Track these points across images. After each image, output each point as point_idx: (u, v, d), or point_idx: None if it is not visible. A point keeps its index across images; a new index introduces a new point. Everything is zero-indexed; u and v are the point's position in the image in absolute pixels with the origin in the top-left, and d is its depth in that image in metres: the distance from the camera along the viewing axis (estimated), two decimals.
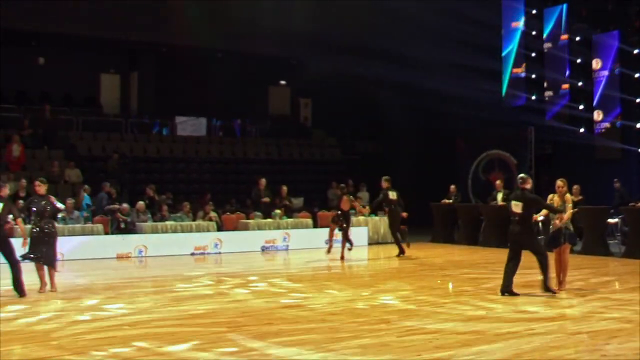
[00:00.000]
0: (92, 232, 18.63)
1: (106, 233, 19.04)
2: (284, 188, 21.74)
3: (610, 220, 18.70)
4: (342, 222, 17.69)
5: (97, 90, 29.72)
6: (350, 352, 7.79)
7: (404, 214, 18.32)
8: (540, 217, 12.22)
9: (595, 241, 17.81)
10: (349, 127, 30.59)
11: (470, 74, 24.49)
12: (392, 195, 18.21)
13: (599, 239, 17.79)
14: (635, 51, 23.05)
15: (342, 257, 17.60)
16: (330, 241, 18.21)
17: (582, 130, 24.06)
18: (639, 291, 12.04)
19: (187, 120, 28.78)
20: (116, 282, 13.82)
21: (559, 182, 11.93)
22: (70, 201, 18.87)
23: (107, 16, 25.50)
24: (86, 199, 20.20)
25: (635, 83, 23.13)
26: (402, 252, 18.03)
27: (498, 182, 21.53)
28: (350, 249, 17.90)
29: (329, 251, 18.14)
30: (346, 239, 17.73)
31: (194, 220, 20.38)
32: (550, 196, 12.12)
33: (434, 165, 27.51)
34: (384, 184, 18.25)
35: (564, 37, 24.66)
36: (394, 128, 29.57)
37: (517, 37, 26.04)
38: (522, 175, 11.98)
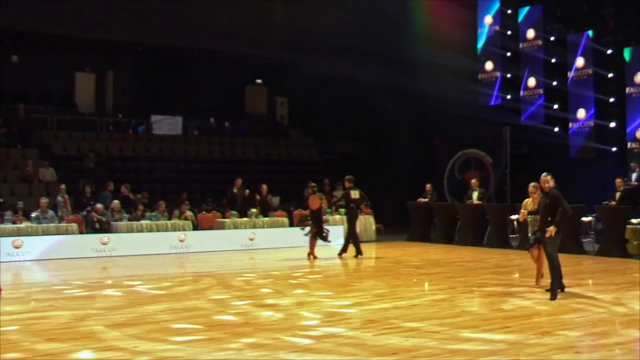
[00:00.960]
0: (66, 232, 18.49)
1: (81, 232, 18.91)
2: (264, 187, 21.75)
3: (584, 219, 18.84)
4: (309, 221, 17.59)
5: (72, 89, 29.49)
6: (327, 349, 7.79)
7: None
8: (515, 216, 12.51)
9: (569, 239, 17.90)
10: (326, 126, 30.58)
11: (447, 74, 24.57)
12: (354, 194, 18.24)
13: (573, 237, 17.89)
14: (609, 51, 23.23)
15: (311, 254, 17.56)
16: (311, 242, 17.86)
17: (557, 129, 24.21)
18: (612, 289, 12.15)
19: (163, 119, 28.63)
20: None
21: (531, 188, 11.89)
22: (44, 200, 18.73)
23: (82, 15, 25.29)
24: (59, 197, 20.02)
25: (609, 83, 23.33)
26: (359, 252, 17.87)
27: (474, 181, 21.64)
28: (326, 238, 17.73)
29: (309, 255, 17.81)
30: (316, 237, 17.55)
31: (169, 219, 20.30)
32: (525, 201, 12.29)
33: (412, 165, 27.61)
34: (347, 184, 18.39)
35: (539, 37, 24.80)
36: (371, 128, 29.61)
37: (493, 37, 26.15)
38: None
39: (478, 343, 8.07)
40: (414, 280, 13.56)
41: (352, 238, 18.01)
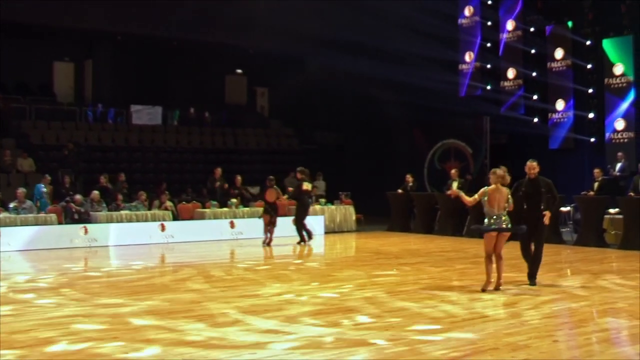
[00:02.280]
0: (45, 223, 18.37)
1: (59, 223, 18.79)
2: (238, 178, 21.79)
3: (563, 209, 18.96)
4: (270, 213, 18.25)
5: (50, 79, 29.30)
6: (307, 341, 7.80)
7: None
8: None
9: (548, 229, 17.98)
10: (306, 117, 30.59)
11: (427, 64, 24.60)
12: (306, 186, 19.08)
13: (552, 227, 17.95)
14: (588, 42, 23.37)
15: (269, 243, 18.20)
16: (265, 233, 18.48)
17: (536, 120, 24.34)
18: (589, 278, 12.25)
19: (142, 109, 28.51)
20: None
21: (501, 172, 11.21)
22: (21, 190, 18.59)
23: (61, 4, 25.09)
24: (38, 188, 19.85)
25: (588, 74, 23.47)
26: (302, 240, 18.70)
27: (453, 171, 21.70)
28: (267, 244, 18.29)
29: (265, 242, 18.35)
30: (271, 226, 18.29)
31: (149, 209, 20.24)
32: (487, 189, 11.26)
33: (392, 155, 27.65)
34: (299, 175, 19.07)
35: (519, 28, 24.90)
36: (351, 118, 29.65)
37: (473, 27, 26.23)
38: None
39: (457, 333, 8.11)
40: (394, 270, 13.58)
41: (297, 224, 18.84)
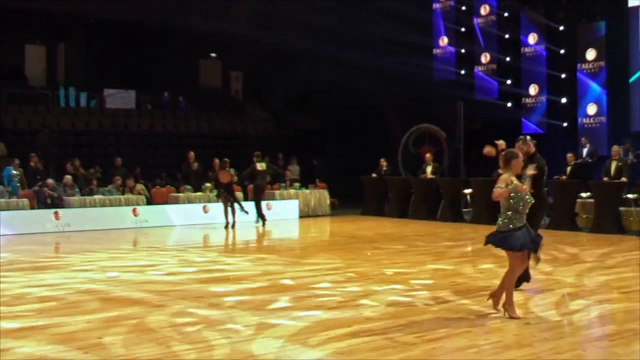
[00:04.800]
0: (17, 207, 18.22)
1: (32, 208, 18.65)
2: (216, 161, 21.68)
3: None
4: (225, 195, 18.61)
5: (22, 62, 28.96)
6: (285, 318, 7.83)
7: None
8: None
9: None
10: (282, 101, 30.51)
11: (402, 49, 24.62)
12: (260, 166, 19.72)
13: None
14: (561, 28, 23.49)
15: (233, 225, 18.54)
16: (226, 216, 18.69)
17: (509, 105, 24.46)
18: (561, 261, 12.37)
19: (116, 93, 28.30)
20: None
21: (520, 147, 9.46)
22: None
23: None
24: (7, 170, 19.60)
25: (561, 59, 23.61)
26: (263, 220, 19.44)
27: (428, 155, 21.82)
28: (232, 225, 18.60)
29: (226, 227, 18.57)
30: (233, 209, 18.66)
31: (123, 194, 20.12)
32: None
33: (366, 139, 27.67)
34: (254, 159, 19.62)
35: (493, 13, 24.98)
36: (325, 103, 29.60)
37: (448, 12, 26.27)
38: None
39: (431, 316, 8.17)
40: (368, 254, 13.63)
41: (257, 207, 19.55)
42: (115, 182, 20.26)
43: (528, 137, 10.00)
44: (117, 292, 9.73)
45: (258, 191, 19.69)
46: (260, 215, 19.52)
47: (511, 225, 7.86)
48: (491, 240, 8.00)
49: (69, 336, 7.31)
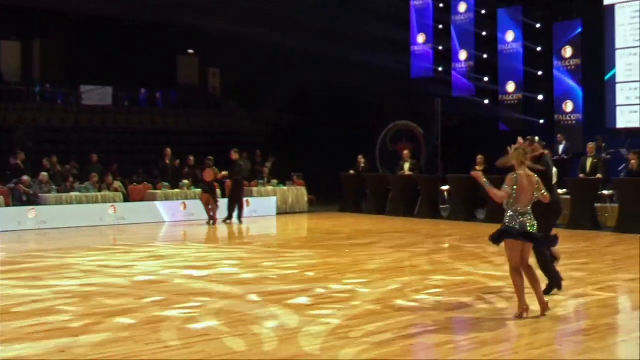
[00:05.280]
0: None
1: (7, 205, 18.48)
2: (191, 158, 21.66)
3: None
4: (209, 193, 18.78)
5: None
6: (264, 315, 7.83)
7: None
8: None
9: (498, 209, 18.21)
10: (259, 98, 30.43)
11: (380, 46, 24.65)
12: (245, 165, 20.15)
13: (501, 207, 18.16)
14: (538, 25, 23.64)
15: (214, 223, 18.66)
16: (208, 213, 18.87)
17: (487, 102, 24.58)
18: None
19: (92, 89, 28.10)
20: None
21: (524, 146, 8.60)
22: None
23: None
24: None
25: (538, 56, 23.76)
26: (229, 217, 19.15)
27: (405, 152, 21.89)
28: (212, 223, 18.70)
29: (209, 223, 18.73)
30: (215, 206, 18.85)
31: (99, 191, 20.00)
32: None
33: (344, 136, 27.67)
34: (234, 156, 19.37)
35: (470, 10, 25.07)
36: (304, 99, 29.56)
37: (425, 9, 26.33)
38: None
39: (417, 308, 8.20)
40: (346, 250, 13.65)
41: (237, 204, 19.20)
42: (91, 179, 20.12)
43: (537, 138, 9.39)
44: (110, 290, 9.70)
45: (239, 186, 19.40)
46: (231, 212, 19.24)
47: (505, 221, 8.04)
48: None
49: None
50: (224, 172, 19.05)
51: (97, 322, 7.72)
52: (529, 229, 7.92)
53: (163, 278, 10.56)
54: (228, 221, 19.05)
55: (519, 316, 7.80)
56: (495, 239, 8.09)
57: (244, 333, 7.21)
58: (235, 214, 19.19)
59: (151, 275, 10.86)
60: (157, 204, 20.21)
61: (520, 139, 8.67)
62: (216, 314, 8.10)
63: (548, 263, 8.94)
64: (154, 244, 15.33)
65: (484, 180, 8.15)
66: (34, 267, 11.73)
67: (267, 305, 8.54)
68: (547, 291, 8.75)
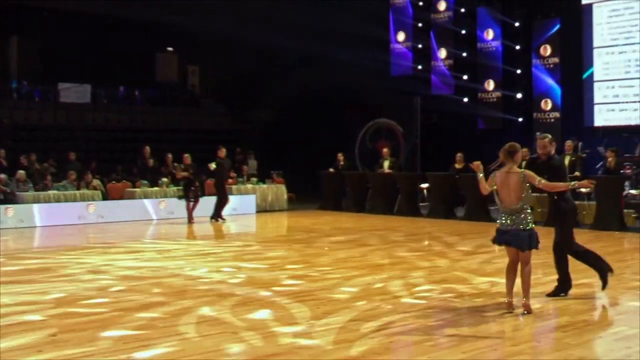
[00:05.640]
0: None
1: None
2: (169, 156, 21.58)
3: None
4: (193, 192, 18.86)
5: None
6: (240, 313, 7.81)
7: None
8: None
9: (477, 207, 18.34)
10: (239, 95, 30.36)
11: (359, 44, 24.68)
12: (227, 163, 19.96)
13: (481, 204, 18.27)
14: (517, 24, 23.75)
15: (190, 221, 18.58)
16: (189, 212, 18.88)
17: (466, 100, 24.68)
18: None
19: (71, 86, 27.90)
20: None
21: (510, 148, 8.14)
22: None
23: None
24: None
25: (517, 55, 23.89)
26: (219, 215, 19.09)
27: (385, 150, 21.94)
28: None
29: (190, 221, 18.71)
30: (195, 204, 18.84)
31: (78, 189, 19.87)
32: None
33: (324, 134, 27.68)
34: (222, 153, 19.38)
35: (450, 8, 25.16)
36: (284, 97, 29.54)
37: (405, 7, 26.38)
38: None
39: (396, 305, 8.22)
40: (325, 248, 13.65)
41: (221, 201, 19.16)
42: (69, 177, 19.98)
43: (550, 136, 9.02)
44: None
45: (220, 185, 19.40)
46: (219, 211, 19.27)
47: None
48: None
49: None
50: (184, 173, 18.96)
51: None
52: (522, 227, 7.81)
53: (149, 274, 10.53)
54: (220, 220, 18.98)
55: (511, 311, 7.85)
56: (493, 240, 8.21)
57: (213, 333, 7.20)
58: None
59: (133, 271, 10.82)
60: (137, 202, 20.11)
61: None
62: (183, 316, 8.08)
63: (563, 264, 8.83)
64: (136, 242, 15.24)
65: (480, 172, 8.13)
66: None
67: (249, 303, 8.53)
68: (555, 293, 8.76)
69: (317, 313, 7.99)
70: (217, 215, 19.04)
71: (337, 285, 9.71)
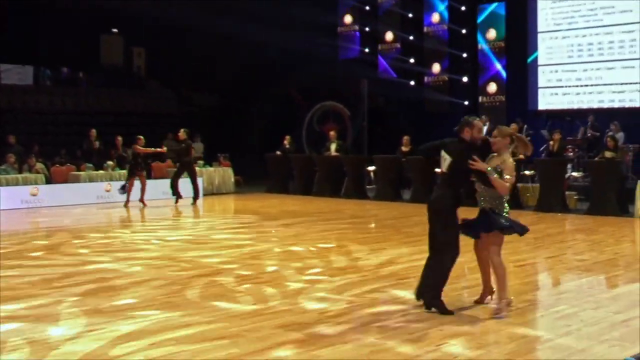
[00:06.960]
0: None
1: None
2: (119, 139, 21.27)
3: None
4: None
5: None
6: (187, 302, 7.78)
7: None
8: None
9: (423, 189, 18.46)
10: (185, 78, 30.09)
11: (306, 27, 24.60)
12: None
13: (427, 187, 18.37)
14: (463, 7, 23.94)
15: (126, 204, 18.48)
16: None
17: (412, 83, 24.82)
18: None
19: (12, 68, 27.32)
20: None
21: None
22: None
23: None
24: None
25: (463, 38, 24.08)
26: (179, 197, 19.16)
27: (332, 133, 21.99)
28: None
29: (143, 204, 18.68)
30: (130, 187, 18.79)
31: (20, 172, 19.49)
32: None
33: (270, 117, 27.65)
34: (182, 136, 19.27)
35: None
36: (229, 80, 29.37)
37: None
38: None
39: (354, 297, 8.25)
40: (272, 231, 13.64)
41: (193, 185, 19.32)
42: (8, 159, 19.52)
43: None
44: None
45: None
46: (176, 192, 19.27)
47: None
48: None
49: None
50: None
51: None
52: (497, 211, 7.62)
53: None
54: (192, 202, 19.06)
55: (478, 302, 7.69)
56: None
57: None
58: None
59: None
60: (81, 185, 19.81)
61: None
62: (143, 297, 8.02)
63: None
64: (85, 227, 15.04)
65: (489, 170, 7.51)
66: None
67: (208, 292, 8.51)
68: None
69: (268, 312, 7.98)
70: (195, 198, 19.20)
71: (282, 276, 9.70)
